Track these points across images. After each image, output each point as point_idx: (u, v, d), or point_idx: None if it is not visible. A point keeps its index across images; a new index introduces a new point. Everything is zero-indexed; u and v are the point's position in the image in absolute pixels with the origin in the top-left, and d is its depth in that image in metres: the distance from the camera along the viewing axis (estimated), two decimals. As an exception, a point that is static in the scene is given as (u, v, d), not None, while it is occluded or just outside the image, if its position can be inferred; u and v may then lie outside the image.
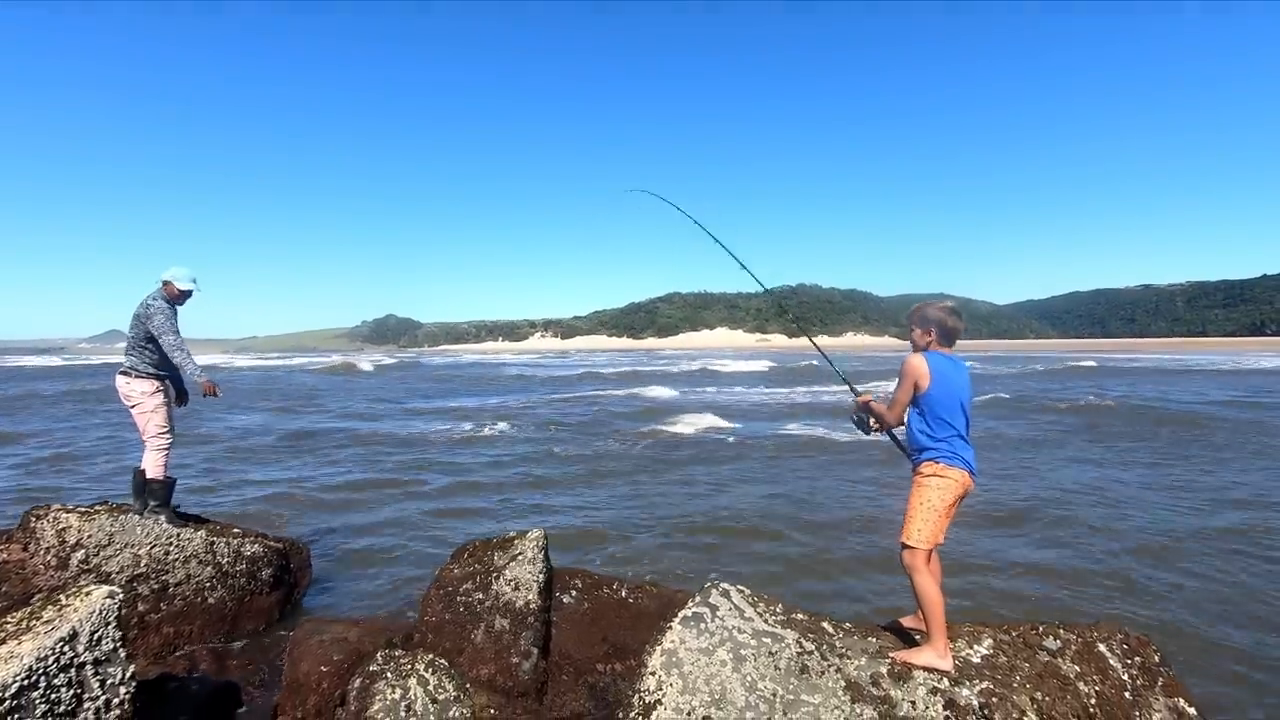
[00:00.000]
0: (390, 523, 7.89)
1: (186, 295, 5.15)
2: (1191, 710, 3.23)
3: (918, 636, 3.20)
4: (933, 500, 3.05)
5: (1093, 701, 2.94)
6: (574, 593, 4.55)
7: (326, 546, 7.07)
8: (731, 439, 13.95)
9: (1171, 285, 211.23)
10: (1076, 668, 3.10)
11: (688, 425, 15.96)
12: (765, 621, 3.11)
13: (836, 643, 3.06)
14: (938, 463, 3.08)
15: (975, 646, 3.18)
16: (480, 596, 4.05)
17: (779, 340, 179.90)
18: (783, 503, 8.60)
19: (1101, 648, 3.29)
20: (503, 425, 16.22)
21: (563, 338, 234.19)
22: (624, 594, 4.64)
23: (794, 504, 8.51)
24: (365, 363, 53.79)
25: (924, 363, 3.13)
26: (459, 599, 4.08)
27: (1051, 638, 3.26)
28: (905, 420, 3.25)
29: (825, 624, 3.24)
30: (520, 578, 4.04)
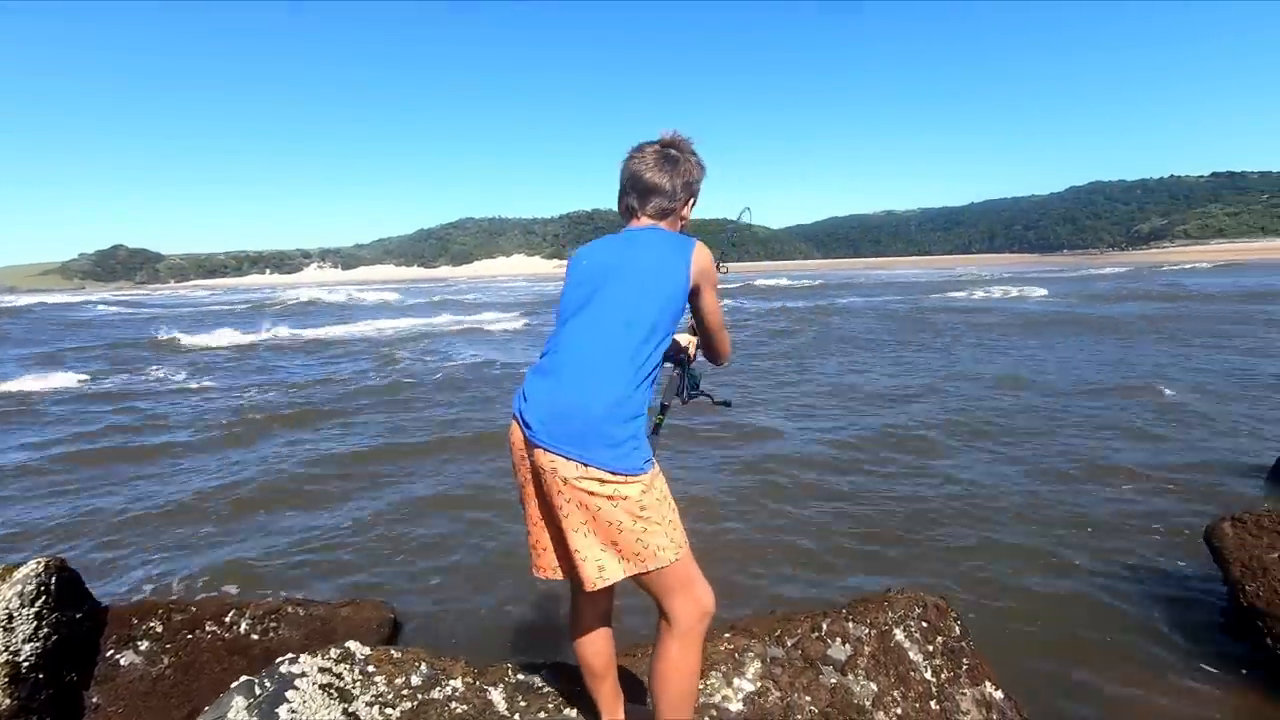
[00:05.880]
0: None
1: None
2: (998, 694, 2.44)
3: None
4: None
5: (897, 742, 1.95)
6: (146, 644, 2.79)
7: None
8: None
9: (907, 211, 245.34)
10: (874, 686, 2.09)
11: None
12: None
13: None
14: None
15: (737, 680, 2.05)
16: (-118, 709, 2.13)
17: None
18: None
19: (900, 636, 2.35)
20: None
21: (344, 268, 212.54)
22: (243, 628, 2.97)
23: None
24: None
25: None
26: None
27: (839, 640, 2.24)
28: None
29: (496, 691, 1.88)
30: (-39, 665, 2.18)
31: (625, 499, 1.52)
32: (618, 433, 1.52)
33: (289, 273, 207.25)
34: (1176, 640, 3.32)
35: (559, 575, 1.64)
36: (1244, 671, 3.04)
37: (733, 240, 2.67)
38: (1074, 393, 8.58)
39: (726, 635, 2.25)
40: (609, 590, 1.64)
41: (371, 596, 3.69)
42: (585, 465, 1.51)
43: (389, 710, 1.67)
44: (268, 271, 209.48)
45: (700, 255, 1.70)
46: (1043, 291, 27.27)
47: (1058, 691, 2.96)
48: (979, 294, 27.76)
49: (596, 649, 1.73)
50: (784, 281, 47.39)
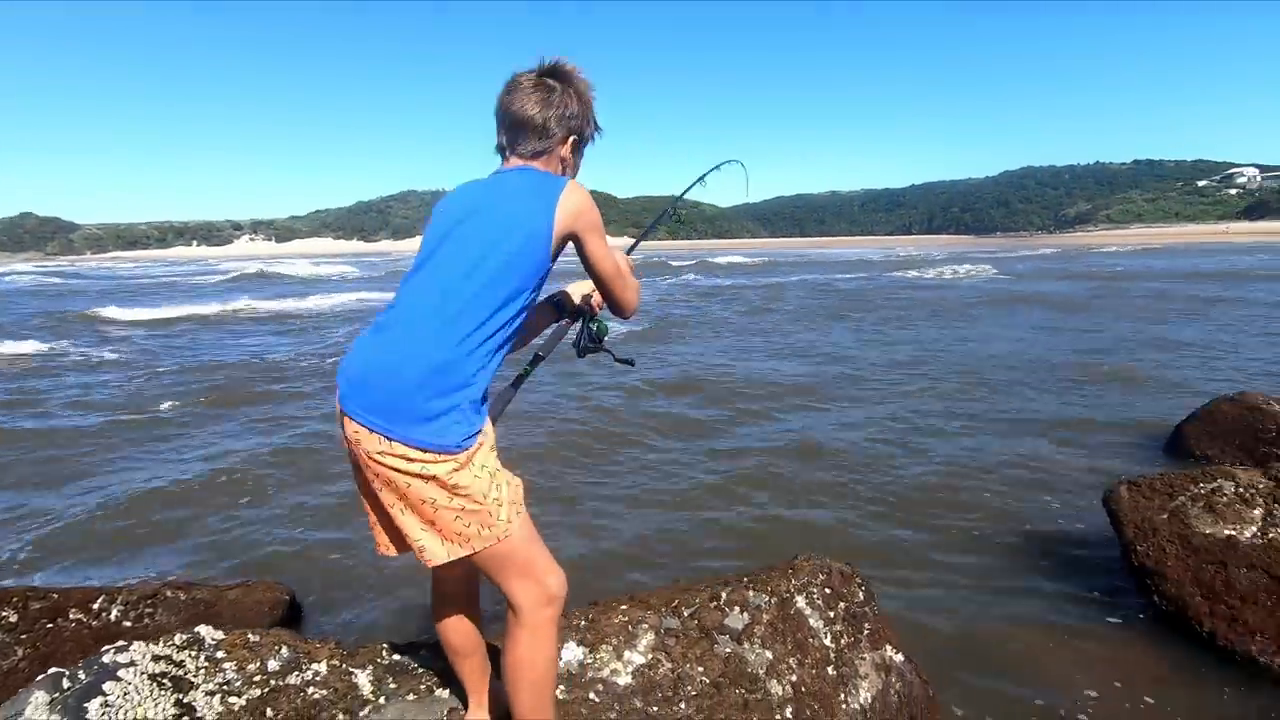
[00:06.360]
0: None
1: None
2: (899, 657, 2.46)
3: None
4: None
5: (789, 710, 1.91)
6: (-5, 636, 2.54)
7: None
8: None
9: (851, 192, 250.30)
10: (769, 654, 2.05)
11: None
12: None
13: None
14: None
15: (628, 652, 1.97)
16: None
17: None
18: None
19: (801, 603, 2.32)
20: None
21: (278, 241, 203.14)
22: (114, 615, 2.75)
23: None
24: None
25: None
26: None
27: (738, 609, 2.19)
28: None
29: (364, 673, 1.75)
30: None
31: (434, 478, 1.34)
32: (433, 405, 1.33)
33: (218, 245, 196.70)
34: (1076, 599, 3.43)
35: (392, 551, 1.50)
36: (1136, 628, 3.17)
37: (678, 216, 2.39)
38: (1013, 364, 8.88)
39: (623, 607, 2.17)
40: (467, 564, 1.51)
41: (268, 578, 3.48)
42: (389, 440, 1.32)
43: (233, 699, 1.52)
44: (194, 244, 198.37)
45: (570, 198, 1.47)
46: (993, 271, 28.35)
47: (960, 651, 3.01)
48: (933, 273, 28.59)
49: (456, 626, 1.60)
50: (739, 259, 48.50)
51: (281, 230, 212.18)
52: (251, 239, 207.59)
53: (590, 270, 1.61)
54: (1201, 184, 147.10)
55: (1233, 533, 3.12)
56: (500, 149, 1.60)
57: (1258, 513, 3.18)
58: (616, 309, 1.70)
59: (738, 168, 2.49)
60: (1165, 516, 3.32)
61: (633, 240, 2.16)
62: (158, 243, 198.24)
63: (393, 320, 1.41)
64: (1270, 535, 3.06)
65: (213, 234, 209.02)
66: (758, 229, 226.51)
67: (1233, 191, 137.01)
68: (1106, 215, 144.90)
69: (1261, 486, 3.31)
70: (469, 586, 1.62)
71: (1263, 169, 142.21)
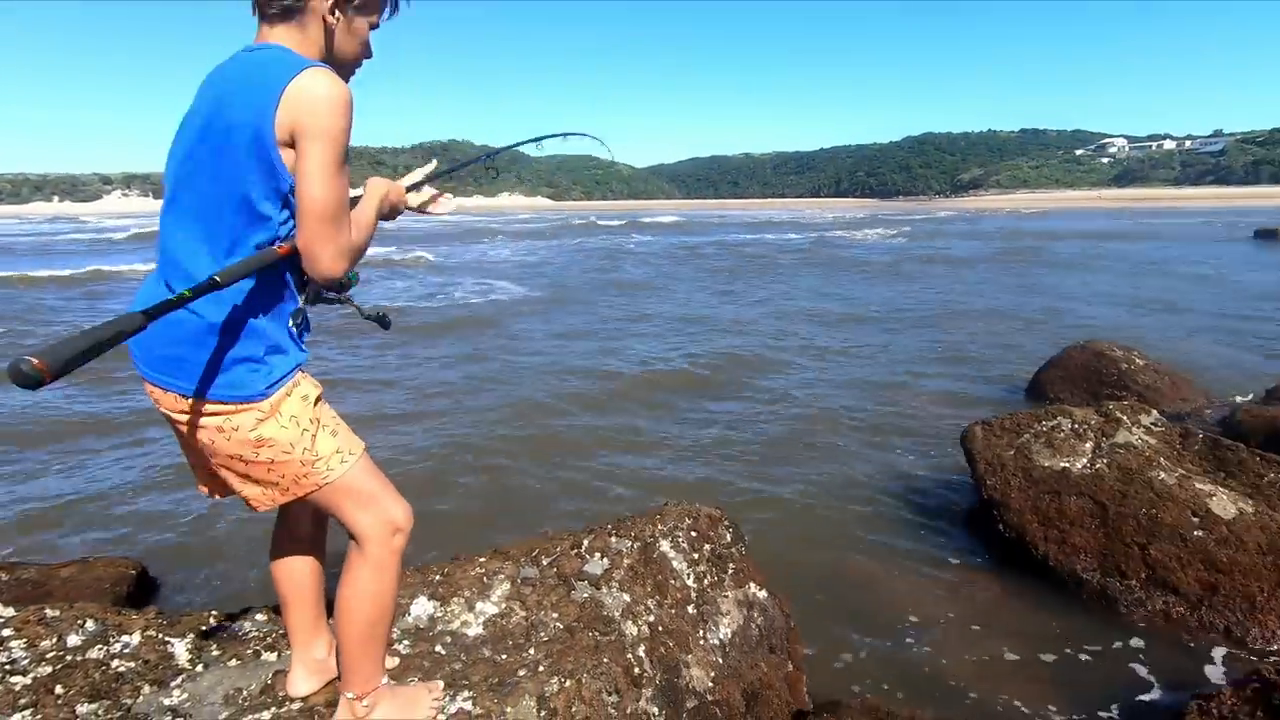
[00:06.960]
0: None
1: None
2: (762, 594, 2.56)
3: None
4: None
5: (642, 649, 1.94)
6: None
7: None
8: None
9: (763, 154, 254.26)
10: (626, 597, 2.07)
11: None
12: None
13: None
14: None
15: (481, 604, 1.94)
16: None
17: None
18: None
19: (665, 547, 2.35)
20: None
21: (156, 197, 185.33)
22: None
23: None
24: None
25: None
26: None
27: (599, 555, 2.19)
28: None
29: (181, 642, 1.63)
30: None
31: (236, 430, 1.22)
32: (220, 358, 1.19)
33: (84, 201, 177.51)
34: (933, 534, 3.68)
35: (217, 495, 1.38)
36: (982, 559, 3.43)
37: (494, 165, 1.98)
38: (908, 315, 9.33)
39: (481, 559, 2.14)
40: (309, 511, 1.42)
41: (113, 553, 3.23)
42: (185, 398, 1.20)
43: (15, 679, 1.37)
44: (55, 199, 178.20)
45: (302, 89, 1.11)
46: (908, 235, 29.79)
47: (824, 584, 3.18)
48: (843, 234, 29.71)
49: (289, 573, 1.51)
50: (671, 219, 50.10)
51: (159, 185, 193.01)
52: (125, 194, 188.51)
53: (295, 190, 1.16)
54: (1079, 153, 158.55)
55: (1067, 465, 3.41)
56: (253, 6, 1.23)
57: (1088, 446, 3.49)
58: (309, 258, 1.17)
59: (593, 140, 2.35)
60: (1012, 452, 3.60)
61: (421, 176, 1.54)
62: (11, 197, 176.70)
63: (158, 262, 1.24)
64: (1098, 465, 3.37)
65: (77, 188, 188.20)
66: (673, 190, 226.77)
67: (1105, 160, 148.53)
68: (997, 181, 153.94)
69: (1094, 422, 3.63)
70: (314, 525, 1.51)
71: (1130, 140, 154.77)
